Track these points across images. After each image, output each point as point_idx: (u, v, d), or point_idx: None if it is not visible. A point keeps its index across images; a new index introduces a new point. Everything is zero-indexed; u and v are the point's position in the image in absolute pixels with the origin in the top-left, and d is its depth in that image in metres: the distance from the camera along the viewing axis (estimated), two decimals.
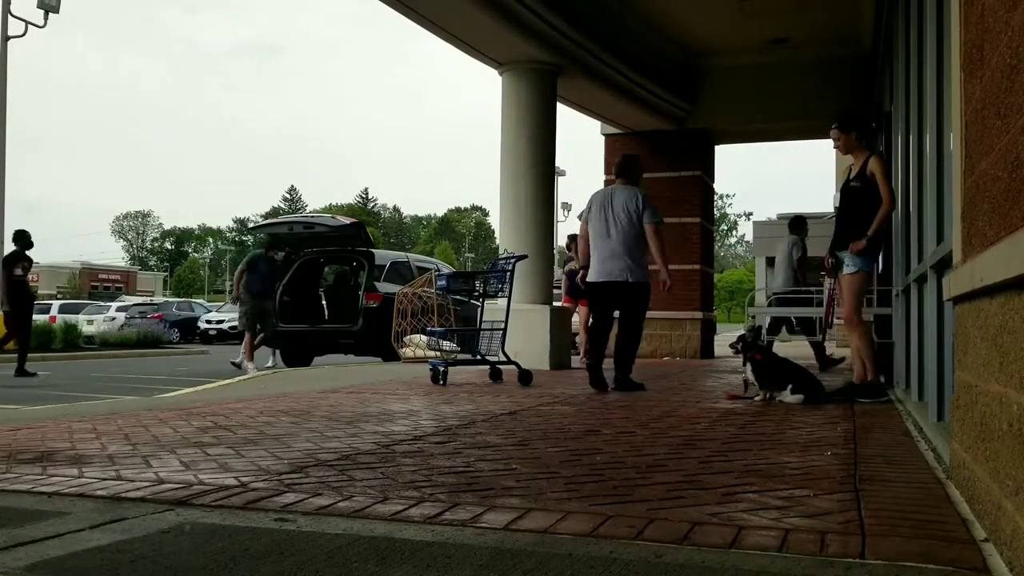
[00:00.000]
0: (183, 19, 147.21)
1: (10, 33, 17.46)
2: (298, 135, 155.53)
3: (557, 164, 10.62)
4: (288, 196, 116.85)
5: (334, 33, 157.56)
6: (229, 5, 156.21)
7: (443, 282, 8.02)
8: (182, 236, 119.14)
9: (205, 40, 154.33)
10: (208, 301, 41.95)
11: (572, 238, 10.52)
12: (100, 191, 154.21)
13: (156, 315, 26.94)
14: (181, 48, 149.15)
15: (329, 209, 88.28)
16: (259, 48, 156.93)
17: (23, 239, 10.86)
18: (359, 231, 13.06)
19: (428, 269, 13.57)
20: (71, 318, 22.21)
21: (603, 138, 13.51)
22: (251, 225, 47.06)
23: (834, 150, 6.16)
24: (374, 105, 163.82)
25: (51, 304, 30.19)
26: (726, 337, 6.53)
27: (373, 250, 13.35)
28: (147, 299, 39.87)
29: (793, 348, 10.52)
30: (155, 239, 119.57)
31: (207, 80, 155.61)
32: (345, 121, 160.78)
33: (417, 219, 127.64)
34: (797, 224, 10.22)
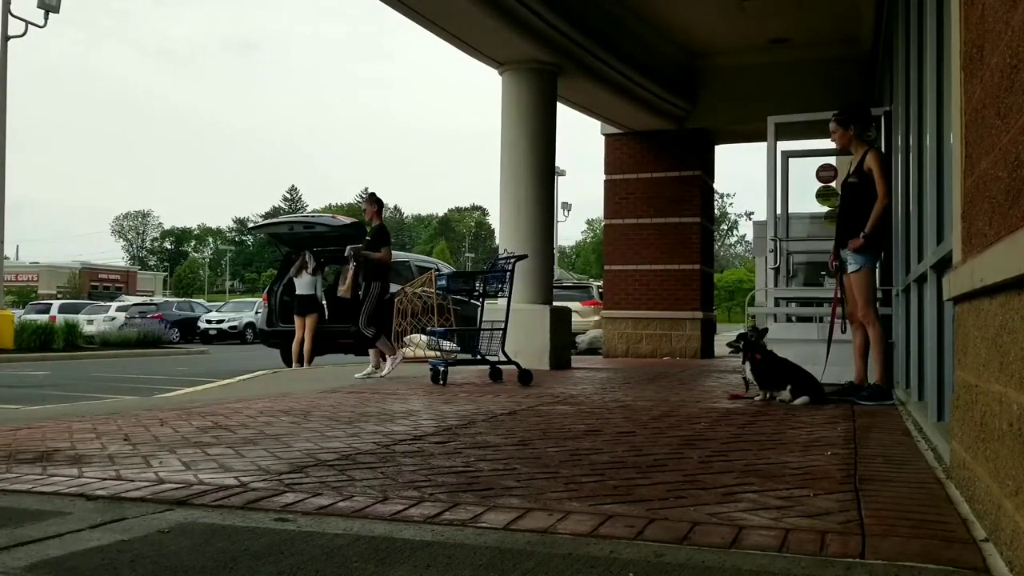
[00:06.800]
0: (158, 14, 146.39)
1: (10, 33, 17.47)
2: (297, 134, 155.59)
3: (557, 164, 10.62)
4: (288, 196, 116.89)
5: (331, 31, 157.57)
6: (214, 2, 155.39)
7: (443, 282, 8.01)
8: (182, 236, 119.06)
9: (198, 37, 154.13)
10: (208, 301, 41.91)
11: None
12: (99, 191, 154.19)
13: (156, 315, 26.92)
14: (172, 46, 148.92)
15: (329, 209, 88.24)
16: (250, 45, 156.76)
17: None
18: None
19: (428, 269, 13.56)
20: (71, 318, 22.16)
21: (603, 138, 13.53)
22: (251, 225, 47.06)
23: (832, 143, 6.11)
24: (374, 104, 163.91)
25: (51, 304, 30.17)
26: (726, 337, 6.50)
27: None
28: (147, 299, 39.83)
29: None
30: (155, 239, 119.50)
31: (204, 78, 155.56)
32: (344, 120, 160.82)
33: (417, 219, 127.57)
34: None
